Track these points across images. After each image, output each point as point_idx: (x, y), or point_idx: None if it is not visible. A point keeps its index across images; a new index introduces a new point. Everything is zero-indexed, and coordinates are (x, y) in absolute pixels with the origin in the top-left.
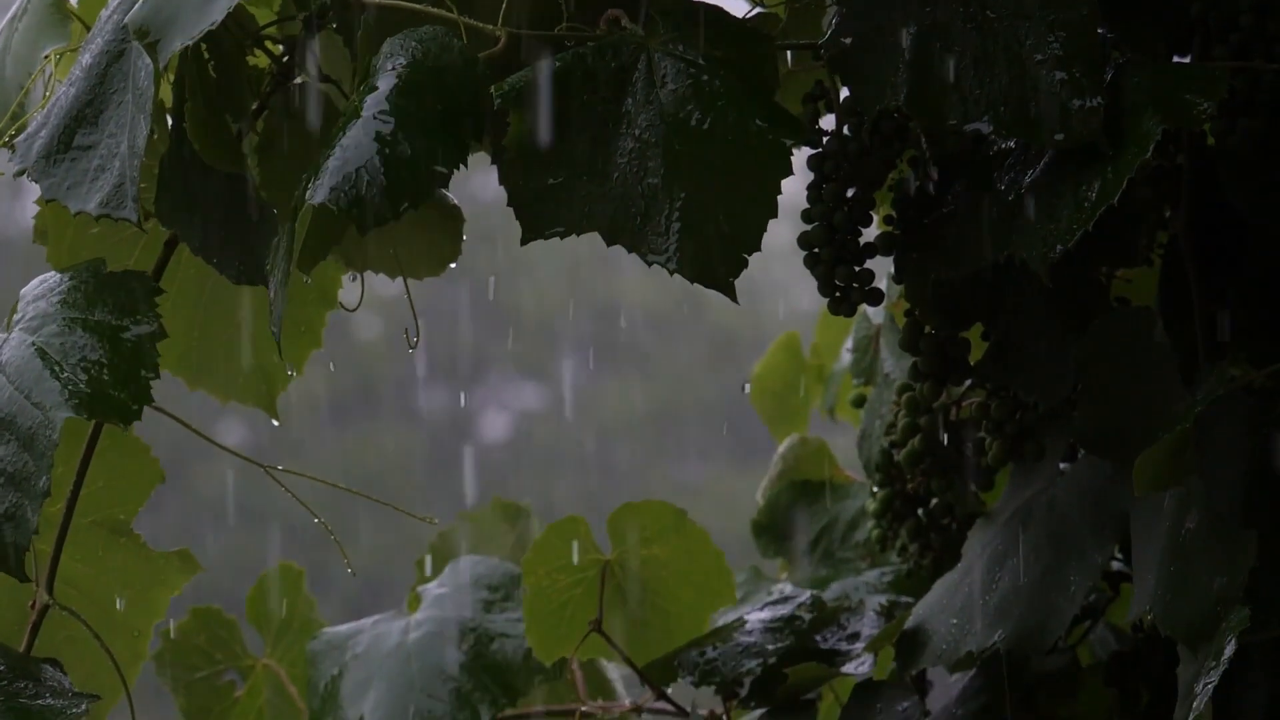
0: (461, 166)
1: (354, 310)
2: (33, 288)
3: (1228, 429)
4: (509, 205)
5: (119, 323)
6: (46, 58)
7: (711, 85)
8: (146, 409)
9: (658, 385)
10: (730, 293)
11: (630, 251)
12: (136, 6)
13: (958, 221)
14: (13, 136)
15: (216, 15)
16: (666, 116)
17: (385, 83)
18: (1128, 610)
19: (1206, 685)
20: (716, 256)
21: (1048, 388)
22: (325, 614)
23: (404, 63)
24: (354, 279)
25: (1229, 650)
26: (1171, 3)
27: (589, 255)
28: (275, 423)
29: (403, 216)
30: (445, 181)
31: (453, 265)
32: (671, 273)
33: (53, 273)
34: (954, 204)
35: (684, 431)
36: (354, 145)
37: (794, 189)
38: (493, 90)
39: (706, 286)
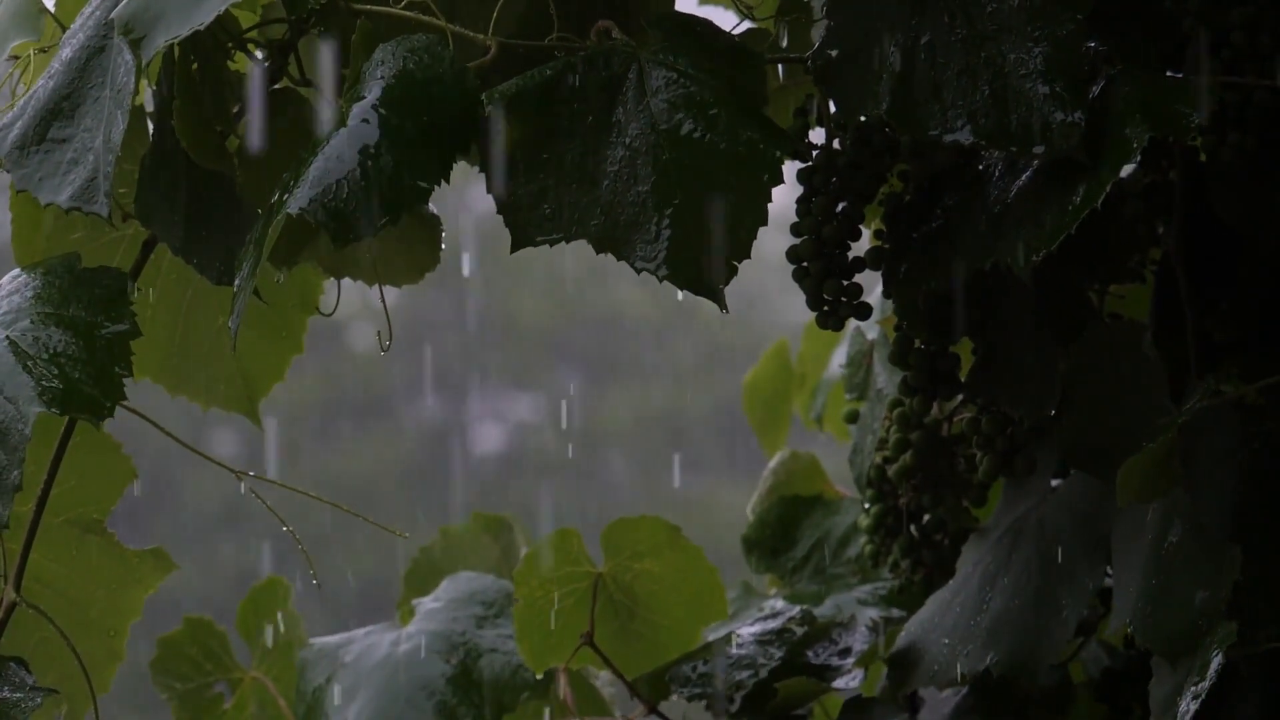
0: (443, 182)
1: (330, 315)
2: (7, 282)
3: (1217, 442)
4: (499, 213)
5: (93, 319)
6: (15, 55)
7: (702, 95)
8: (135, 418)
9: (652, 396)
10: (720, 300)
11: (619, 259)
12: (124, 2)
13: (946, 234)
14: None
15: (205, 16)
16: (657, 125)
17: (373, 92)
18: None
19: (1192, 701)
20: (706, 264)
21: (1034, 402)
22: (319, 624)
23: (393, 72)
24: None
25: (1215, 665)
26: (1164, 19)
27: (584, 266)
28: (260, 429)
29: (380, 231)
30: (426, 197)
31: (430, 273)
32: (661, 280)
33: (27, 267)
34: (943, 218)
35: (678, 443)
36: (337, 155)
37: (789, 201)
38: (483, 98)
39: (695, 294)
